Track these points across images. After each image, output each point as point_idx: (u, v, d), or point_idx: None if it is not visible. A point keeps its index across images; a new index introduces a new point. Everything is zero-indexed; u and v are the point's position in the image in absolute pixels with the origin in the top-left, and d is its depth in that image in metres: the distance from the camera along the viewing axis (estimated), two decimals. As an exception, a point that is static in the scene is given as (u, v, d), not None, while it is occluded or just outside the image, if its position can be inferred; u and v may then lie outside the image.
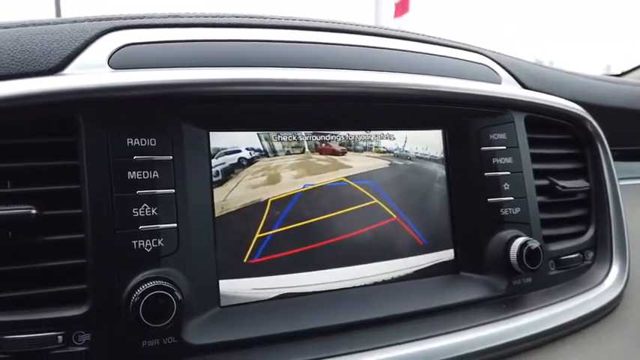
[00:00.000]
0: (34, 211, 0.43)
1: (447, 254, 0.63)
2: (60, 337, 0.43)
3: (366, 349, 0.50)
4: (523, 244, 0.61)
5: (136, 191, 0.47)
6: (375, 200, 0.59)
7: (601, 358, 0.61)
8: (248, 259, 0.52)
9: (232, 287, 0.52)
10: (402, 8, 6.31)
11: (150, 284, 0.44)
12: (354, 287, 0.57)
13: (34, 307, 0.43)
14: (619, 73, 1.19)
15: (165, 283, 0.44)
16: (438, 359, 0.52)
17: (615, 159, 0.76)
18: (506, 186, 0.64)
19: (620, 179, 0.75)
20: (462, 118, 0.64)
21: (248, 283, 0.52)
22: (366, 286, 0.58)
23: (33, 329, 0.42)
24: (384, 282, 0.58)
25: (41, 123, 0.46)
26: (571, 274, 0.68)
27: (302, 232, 0.55)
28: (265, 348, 0.49)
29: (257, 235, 0.53)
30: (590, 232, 0.71)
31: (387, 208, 0.60)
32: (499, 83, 0.69)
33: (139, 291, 0.43)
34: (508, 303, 0.61)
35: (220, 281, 0.51)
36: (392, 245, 0.59)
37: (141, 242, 0.46)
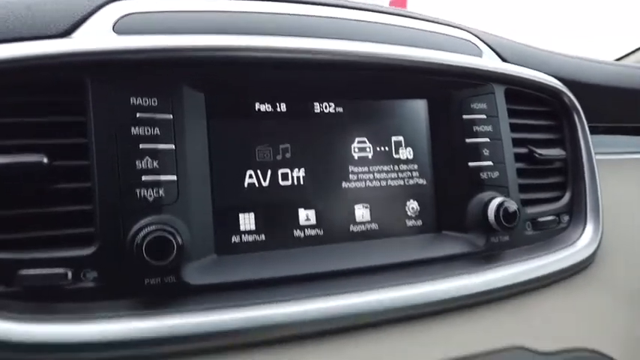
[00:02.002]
0: (45, 160, 0.47)
1: (430, 216, 0.68)
2: (69, 274, 0.47)
3: (351, 292, 0.55)
4: (500, 204, 0.65)
5: (138, 145, 0.51)
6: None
7: (574, 310, 0.65)
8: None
9: (228, 237, 0.56)
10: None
11: (152, 227, 0.48)
12: (342, 242, 0.61)
13: (46, 247, 0.48)
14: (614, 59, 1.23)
15: (166, 227, 0.48)
16: (417, 303, 0.56)
17: (593, 132, 0.80)
18: (485, 152, 0.69)
19: (596, 153, 0.79)
20: (445, 89, 0.68)
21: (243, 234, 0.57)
22: (352, 240, 0.62)
23: (45, 266, 0.46)
24: (369, 238, 0.63)
25: (52, 82, 0.50)
26: (547, 235, 0.72)
27: (293, 188, 0.60)
28: (258, 289, 0.53)
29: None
30: (566, 198, 0.75)
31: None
32: (480, 57, 0.73)
33: (142, 233, 0.48)
34: (486, 258, 0.66)
35: (217, 231, 0.55)
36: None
37: (143, 191, 0.51)
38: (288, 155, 0.61)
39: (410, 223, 0.67)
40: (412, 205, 0.67)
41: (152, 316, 0.48)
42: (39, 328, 0.44)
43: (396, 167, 0.67)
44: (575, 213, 0.74)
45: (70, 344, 0.44)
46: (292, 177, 0.61)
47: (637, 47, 1.20)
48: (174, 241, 0.48)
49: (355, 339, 0.53)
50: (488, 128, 0.69)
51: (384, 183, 0.66)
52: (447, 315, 0.58)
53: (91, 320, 0.46)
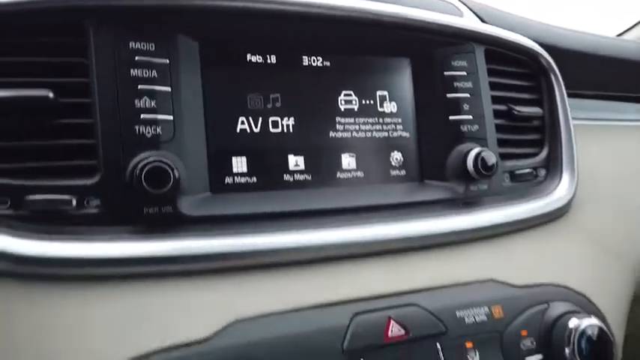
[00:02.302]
0: (51, 95, 0.51)
1: (413, 166, 0.72)
2: (74, 201, 0.51)
3: (337, 226, 0.59)
4: (478, 153, 0.69)
5: (137, 86, 0.55)
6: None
7: (548, 253, 0.70)
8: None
9: (221, 177, 0.60)
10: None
11: (150, 159, 0.52)
12: (329, 187, 0.65)
13: (52, 177, 0.51)
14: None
15: (163, 160, 0.52)
16: (398, 237, 0.60)
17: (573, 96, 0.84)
18: (465, 106, 0.73)
19: (575, 118, 0.83)
20: (427, 47, 0.72)
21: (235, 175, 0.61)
22: (339, 186, 0.66)
23: (50, 193, 0.50)
24: (355, 184, 0.67)
25: (55, 25, 0.54)
26: (524, 187, 0.76)
27: (283, 135, 0.63)
28: (249, 222, 0.57)
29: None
30: (544, 154, 0.79)
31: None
32: (461, 17, 0.77)
33: (141, 164, 0.51)
34: (466, 204, 0.70)
35: (211, 171, 0.59)
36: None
37: (142, 128, 0.54)
38: (278, 104, 0.65)
39: (394, 172, 0.71)
40: (396, 156, 0.71)
41: (150, 239, 0.51)
42: (45, 245, 0.48)
43: (381, 120, 0.71)
44: (552, 167, 0.79)
45: (73, 259, 0.48)
46: (282, 125, 0.65)
47: (636, 22, 1.24)
48: (170, 172, 0.52)
49: (340, 268, 0.57)
50: (469, 85, 0.73)
51: (369, 134, 0.70)
52: (426, 251, 0.62)
53: (93, 240, 0.49)
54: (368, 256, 0.60)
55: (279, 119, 0.64)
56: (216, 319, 0.50)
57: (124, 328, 0.47)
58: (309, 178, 0.65)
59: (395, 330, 0.54)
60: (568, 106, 0.82)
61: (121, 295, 0.49)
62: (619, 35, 1.28)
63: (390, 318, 0.54)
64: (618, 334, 0.68)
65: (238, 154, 0.62)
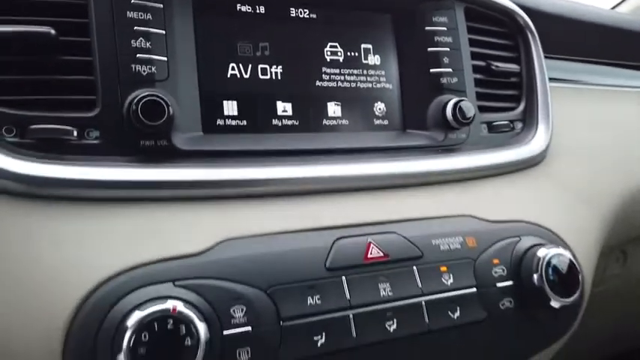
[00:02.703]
0: (52, 32, 0.54)
1: (396, 116, 0.76)
2: (75, 132, 0.54)
3: (323, 163, 0.63)
4: (457, 102, 0.73)
5: (133, 27, 0.58)
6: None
7: (522, 196, 0.74)
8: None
9: (213, 119, 0.64)
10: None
11: (146, 94, 0.55)
12: (314, 132, 0.69)
13: (54, 109, 0.55)
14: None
15: (158, 95, 0.56)
16: (380, 174, 0.65)
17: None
18: (445, 60, 0.77)
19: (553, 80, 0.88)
20: (408, 5, 0.76)
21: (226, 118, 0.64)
22: (325, 132, 0.70)
23: (53, 123, 0.54)
24: (340, 131, 0.70)
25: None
26: (501, 138, 0.80)
27: (272, 82, 0.67)
28: (240, 158, 0.61)
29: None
30: (520, 108, 0.84)
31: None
32: (441, -24, 0.81)
33: (137, 98, 0.55)
34: (445, 150, 0.74)
35: (203, 113, 0.62)
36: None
37: (138, 67, 0.58)
38: (267, 53, 0.68)
39: (377, 122, 0.75)
40: (379, 106, 0.75)
41: (146, 167, 0.55)
42: (49, 168, 0.51)
43: (365, 72, 0.74)
44: (528, 120, 0.83)
45: (74, 180, 0.51)
46: (271, 72, 0.68)
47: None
48: (165, 106, 0.55)
49: (325, 199, 0.61)
50: (449, 39, 0.77)
51: (353, 84, 0.73)
52: (406, 188, 0.67)
53: (93, 166, 0.53)
54: (351, 190, 0.64)
55: (267, 67, 0.68)
56: (208, 237, 0.53)
57: (121, 242, 0.51)
58: (296, 123, 0.69)
59: (374, 252, 0.58)
60: (544, 64, 0.86)
61: (118, 214, 0.53)
62: (613, 8, 1.32)
63: (370, 242, 0.59)
64: (587, 273, 0.73)
65: (229, 97, 0.66)
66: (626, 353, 1.48)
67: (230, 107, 0.66)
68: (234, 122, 0.65)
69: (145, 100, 0.55)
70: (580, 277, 0.64)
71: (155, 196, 0.55)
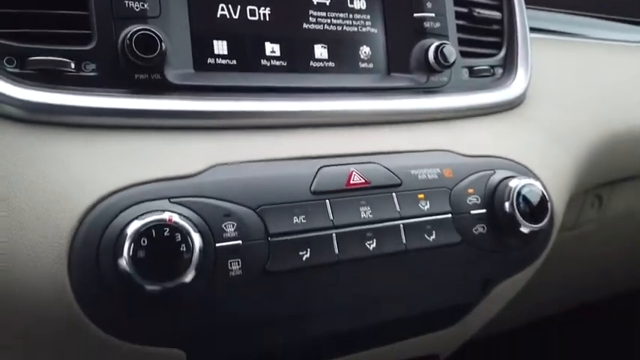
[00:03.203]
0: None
1: (381, 60, 0.79)
2: (72, 64, 0.58)
3: (310, 99, 0.66)
4: (438, 46, 0.76)
5: None
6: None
7: (500, 134, 0.78)
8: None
9: (204, 57, 0.67)
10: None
11: (139, 28, 0.58)
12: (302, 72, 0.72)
13: (52, 42, 0.58)
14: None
15: (151, 30, 0.59)
16: (363, 110, 0.68)
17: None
18: (429, 4, 0.79)
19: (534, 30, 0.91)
20: None
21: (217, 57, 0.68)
22: (313, 72, 0.73)
23: (51, 55, 0.57)
24: (326, 72, 0.74)
25: None
26: (482, 82, 0.83)
27: (260, 23, 0.70)
28: (230, 93, 0.64)
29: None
30: (501, 54, 0.87)
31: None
32: None
33: (131, 32, 0.58)
34: (427, 92, 0.77)
35: (194, 51, 0.65)
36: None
37: (131, 3, 0.60)
38: None
39: (362, 65, 0.78)
40: (365, 50, 0.78)
41: (141, 98, 0.59)
42: (48, 95, 0.55)
43: (351, 15, 0.77)
44: (508, 65, 0.86)
45: (72, 107, 0.55)
46: (259, 14, 0.71)
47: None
48: (157, 40, 0.58)
49: (311, 132, 0.65)
50: None
51: (340, 28, 0.76)
52: (389, 125, 0.71)
53: (91, 95, 0.57)
54: (336, 125, 0.67)
55: (256, 8, 0.71)
56: (200, 161, 0.57)
57: (118, 164, 0.55)
58: (284, 64, 0.72)
59: (356, 179, 0.62)
60: (525, 11, 0.89)
61: (115, 139, 0.56)
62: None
63: (352, 171, 0.63)
64: (557, 206, 0.77)
65: (219, 37, 0.68)
66: (599, 302, 1.55)
67: (220, 47, 0.69)
68: (224, 61, 0.68)
69: (138, 34, 0.58)
70: (549, 205, 0.68)
71: (149, 125, 0.59)
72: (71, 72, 0.58)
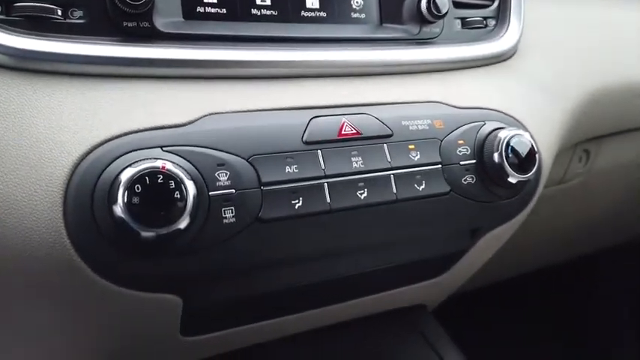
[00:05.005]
0: None
1: (373, 10, 0.77)
2: (59, 11, 0.56)
3: (301, 49, 0.66)
4: (432, -5, 0.75)
5: None
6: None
7: (492, 86, 0.78)
8: None
9: (193, 6, 0.65)
10: None
11: None
12: (293, 22, 0.71)
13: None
14: None
15: None
16: (355, 63, 0.68)
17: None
18: (422, -46, 0.78)
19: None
20: None
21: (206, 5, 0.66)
22: (304, 22, 0.72)
23: (37, 2, 0.55)
24: (318, 22, 0.72)
25: None
26: (474, 33, 0.83)
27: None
28: (220, 42, 0.63)
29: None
30: (494, 5, 0.86)
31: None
32: None
33: None
34: (420, 43, 0.77)
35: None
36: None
37: None
38: None
39: (354, 15, 0.77)
40: (357, 0, 0.77)
41: (130, 46, 0.58)
42: (35, 42, 0.54)
43: (343, -36, 0.75)
44: (501, 17, 0.85)
45: (60, 54, 0.54)
46: None
47: None
48: None
49: (303, 82, 0.65)
50: None
51: (331, -24, 0.75)
52: (381, 76, 0.70)
53: (79, 43, 0.56)
54: (328, 76, 0.67)
55: (246, -45, 0.69)
56: (193, 110, 0.57)
57: (110, 112, 0.54)
58: (275, 13, 0.71)
59: (347, 129, 0.63)
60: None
61: (105, 88, 0.56)
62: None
63: (344, 121, 0.63)
64: (545, 157, 0.79)
65: (208, -15, 0.67)
66: (584, 257, 1.60)
67: (209, -6, 0.67)
68: (213, 10, 0.67)
69: None
70: (537, 156, 0.69)
71: (139, 74, 0.58)
72: (58, 19, 0.57)
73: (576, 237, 1.39)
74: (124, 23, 0.59)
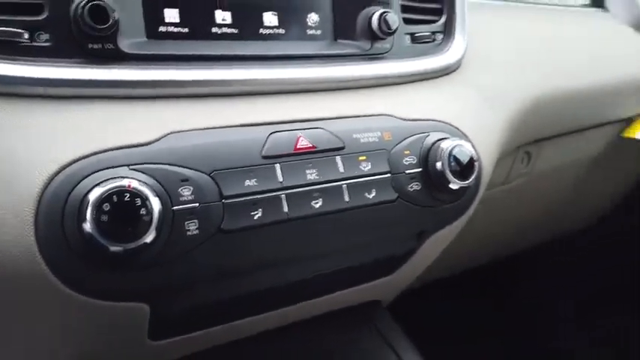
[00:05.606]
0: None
1: (327, 27, 0.82)
2: (26, 35, 0.59)
3: (258, 67, 0.70)
4: (382, 13, 0.80)
5: None
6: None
7: (438, 99, 0.84)
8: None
9: (156, 26, 0.69)
10: None
11: None
12: (252, 40, 0.75)
13: (4, 12, 0.58)
14: None
15: (103, 1, 0.60)
16: (309, 79, 0.73)
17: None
18: (374, -28, 0.83)
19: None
20: None
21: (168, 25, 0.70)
22: (263, 40, 0.76)
23: (3, 26, 0.58)
24: (276, 39, 0.77)
25: None
26: (423, 48, 0.89)
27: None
28: (182, 62, 0.67)
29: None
30: (442, 20, 0.92)
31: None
32: None
33: (84, 3, 0.59)
34: (371, 58, 0.82)
35: (146, 19, 0.67)
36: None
37: None
38: None
39: (310, 32, 0.81)
40: (312, 17, 0.82)
41: (95, 68, 0.61)
42: (1, 66, 0.56)
43: (299, -18, 0.80)
44: (447, 32, 0.92)
45: (24, 78, 0.57)
46: None
47: None
48: (109, 10, 0.60)
49: (261, 99, 0.70)
50: None
51: (289, -5, 0.79)
52: (334, 91, 0.76)
53: (44, 66, 0.59)
54: (284, 92, 0.72)
55: (206, -24, 0.73)
56: (155, 130, 0.61)
57: (75, 133, 0.57)
58: (235, 31, 0.75)
59: (303, 143, 0.68)
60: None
61: (70, 109, 0.59)
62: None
63: (299, 136, 0.68)
64: (486, 164, 0.86)
65: (170, 5, 0.70)
66: (527, 251, 1.71)
67: (171, 14, 0.70)
68: (175, 29, 0.70)
69: (91, 4, 0.59)
70: (477, 164, 0.76)
71: (103, 94, 0.61)
72: (25, 42, 0.59)
73: (521, 233, 1.48)
74: (89, 45, 0.62)
